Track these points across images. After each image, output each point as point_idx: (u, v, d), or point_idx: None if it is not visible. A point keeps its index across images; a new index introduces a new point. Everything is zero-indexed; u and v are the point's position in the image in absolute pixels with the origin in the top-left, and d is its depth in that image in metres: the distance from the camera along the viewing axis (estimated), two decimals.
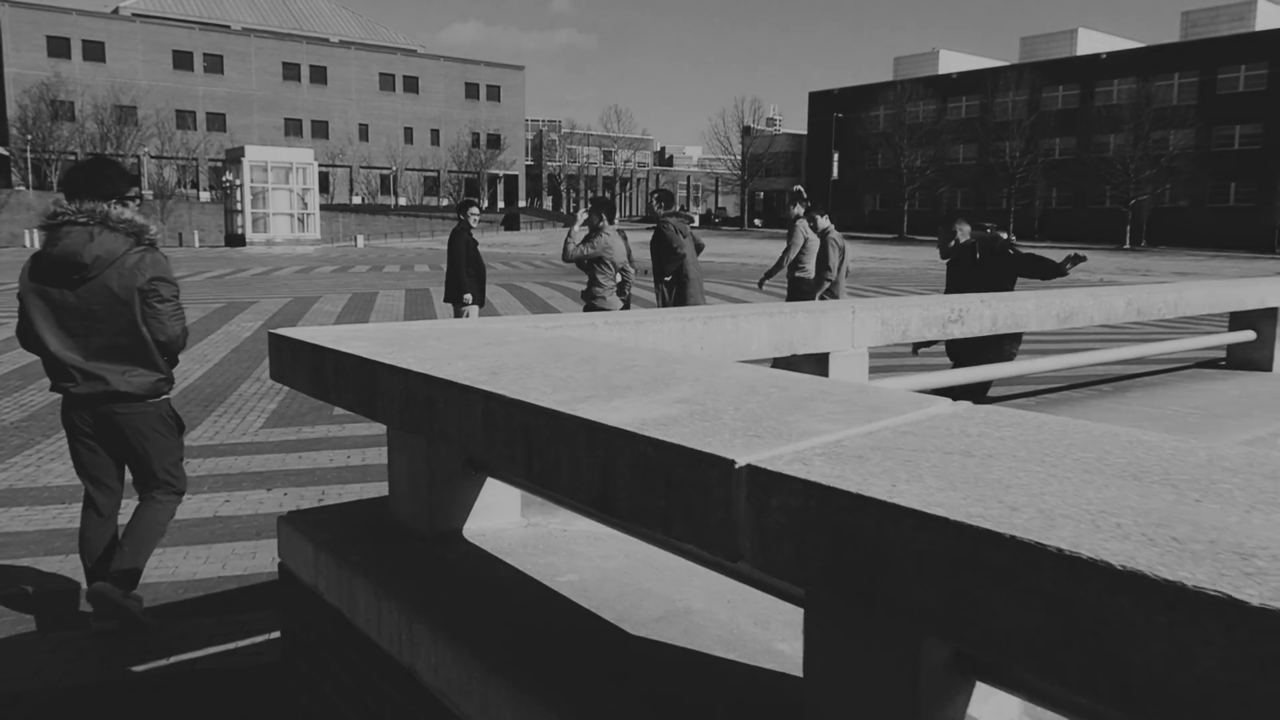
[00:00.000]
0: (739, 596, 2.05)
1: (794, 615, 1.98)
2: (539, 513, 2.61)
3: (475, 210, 10.96)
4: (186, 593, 4.71)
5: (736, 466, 1.19)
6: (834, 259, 10.96)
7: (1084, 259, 6.22)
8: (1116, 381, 5.01)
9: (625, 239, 10.75)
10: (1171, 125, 63.66)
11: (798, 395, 1.58)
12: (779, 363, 3.25)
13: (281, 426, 8.55)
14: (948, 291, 7.40)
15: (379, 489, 6.62)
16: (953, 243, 7.38)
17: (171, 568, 5.07)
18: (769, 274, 11.94)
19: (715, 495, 1.22)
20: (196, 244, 54.42)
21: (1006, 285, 7.01)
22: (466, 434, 1.74)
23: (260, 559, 5.21)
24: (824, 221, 11.24)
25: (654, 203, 10.94)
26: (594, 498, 1.43)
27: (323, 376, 2.28)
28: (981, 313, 3.72)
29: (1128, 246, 63.90)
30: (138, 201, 4.12)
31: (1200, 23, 71.41)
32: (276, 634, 4.18)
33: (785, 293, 11.86)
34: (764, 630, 1.90)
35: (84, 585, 4.36)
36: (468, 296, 10.77)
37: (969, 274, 7.12)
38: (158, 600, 4.61)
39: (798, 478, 1.11)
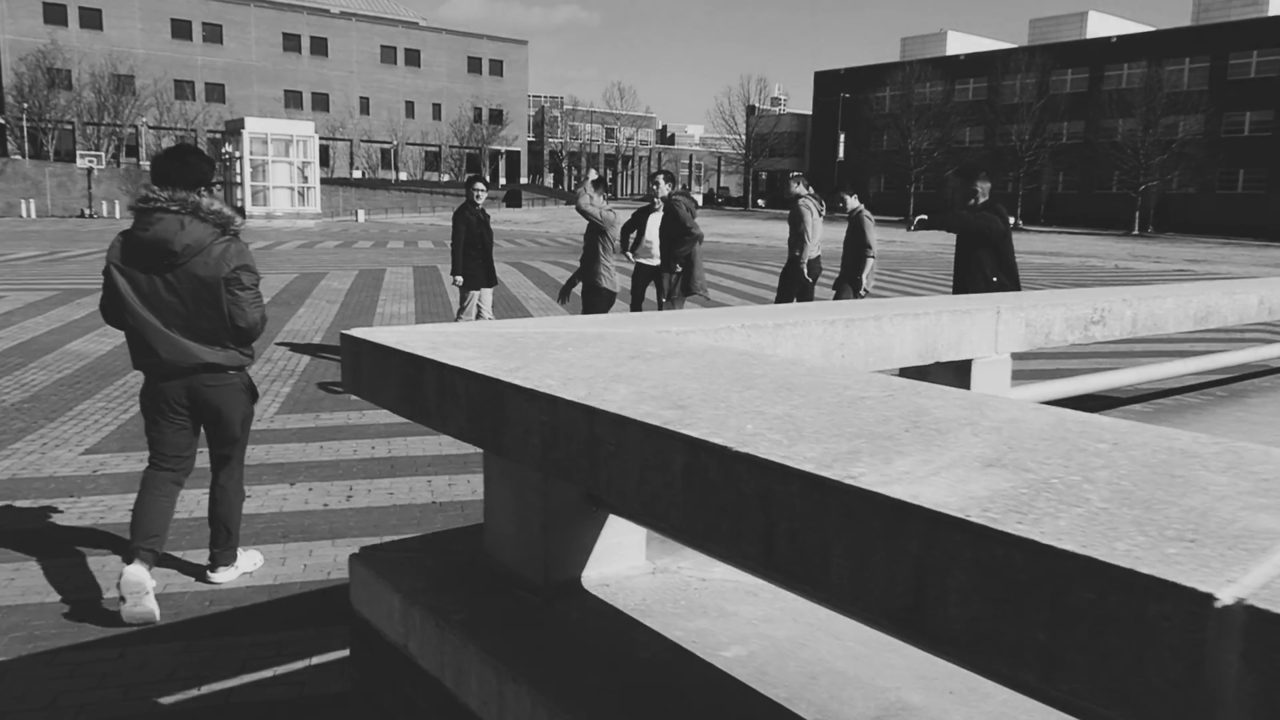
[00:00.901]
0: (961, 684, 1.62)
1: (1046, 714, 1.55)
2: (663, 552, 2.18)
3: (481, 187, 10.43)
4: (212, 605, 4.28)
5: (1219, 604, 0.76)
6: (871, 236, 10.66)
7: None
8: (1228, 385, 4.57)
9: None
10: (1183, 110, 62.91)
11: (1144, 454, 1.15)
12: (906, 371, 2.80)
13: (298, 413, 8.11)
14: (956, 260, 6.98)
15: (410, 484, 6.20)
16: (972, 201, 6.88)
17: (193, 575, 4.63)
18: (809, 264, 11.46)
19: (1164, 644, 0.78)
20: None
21: (992, 250, 6.66)
22: (652, 494, 1.30)
23: (290, 565, 4.78)
24: (854, 201, 10.89)
25: (659, 181, 10.37)
26: (895, 610, 1.00)
27: (420, 395, 1.84)
28: (1123, 312, 3.28)
29: (1136, 233, 63.31)
30: (218, 186, 4.40)
31: (1213, 7, 70.56)
32: (318, 659, 3.77)
33: (793, 273, 11.37)
34: None
35: (121, 572, 4.06)
36: (458, 279, 10.24)
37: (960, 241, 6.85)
38: (180, 614, 4.18)
39: None
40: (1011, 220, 7.35)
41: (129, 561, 4.02)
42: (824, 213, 11.41)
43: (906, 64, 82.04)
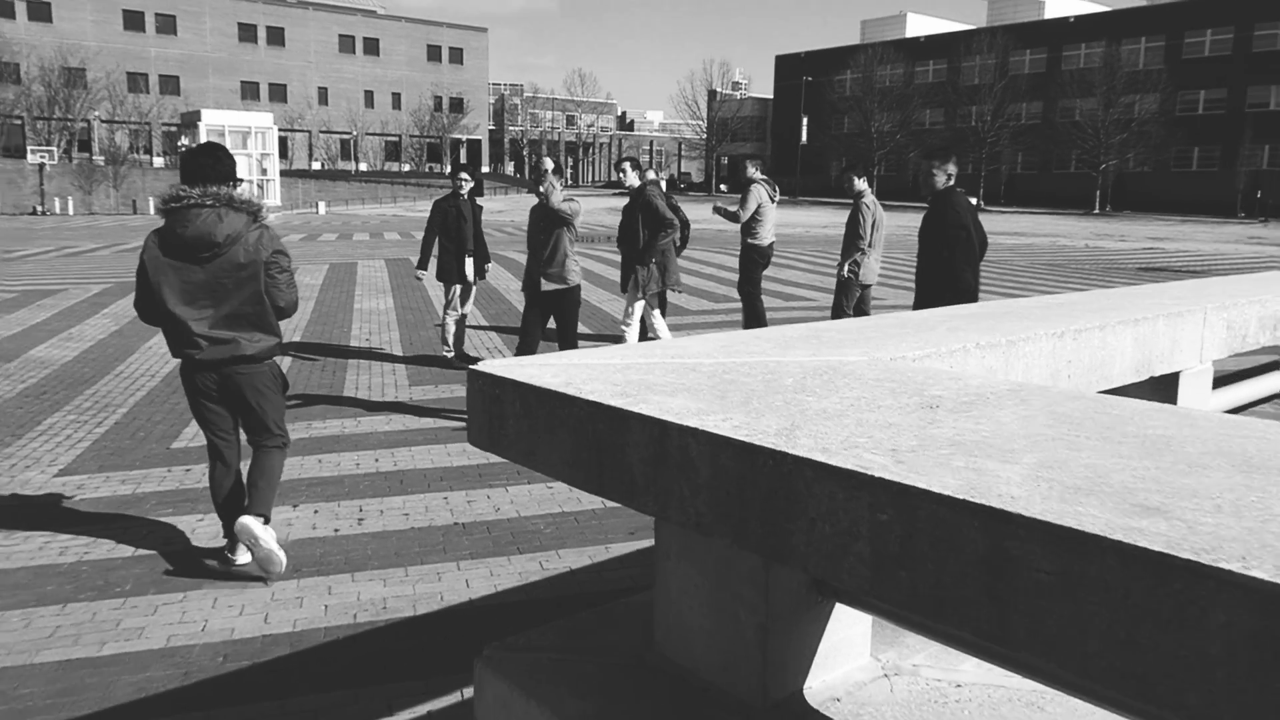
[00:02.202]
0: None
1: None
2: (885, 645, 1.68)
3: (465, 177, 9.87)
4: (228, 661, 3.72)
5: None
6: (865, 226, 10.09)
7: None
8: None
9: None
10: (1140, 90, 63.41)
11: None
12: (1126, 389, 2.31)
13: (288, 421, 7.48)
14: (920, 246, 6.69)
15: (426, 502, 5.64)
16: (941, 183, 6.50)
17: (199, 622, 4.06)
18: (758, 249, 11.32)
19: None
20: (151, 211, 52.22)
21: (941, 240, 6.37)
22: (1157, 666, 0.79)
23: (309, 608, 4.22)
24: (860, 184, 10.30)
25: (626, 169, 9.61)
26: None
27: (616, 464, 1.31)
28: None
29: (1096, 211, 63.84)
30: (243, 182, 4.59)
31: None
32: None
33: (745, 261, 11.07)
34: None
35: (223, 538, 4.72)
36: (420, 273, 9.97)
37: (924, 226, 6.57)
38: (190, 674, 3.61)
39: None
40: (974, 200, 6.96)
41: (228, 528, 4.57)
42: (776, 197, 11.09)
43: (867, 46, 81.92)
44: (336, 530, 5.21)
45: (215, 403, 4.50)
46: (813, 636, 1.52)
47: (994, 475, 0.98)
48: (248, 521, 4.38)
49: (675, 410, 1.27)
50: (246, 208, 4.36)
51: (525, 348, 7.55)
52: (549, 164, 7.96)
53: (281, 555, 4.43)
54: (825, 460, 1.04)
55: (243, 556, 4.66)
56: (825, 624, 1.54)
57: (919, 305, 6.62)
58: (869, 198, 10.17)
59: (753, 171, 11.04)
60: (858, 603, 1.49)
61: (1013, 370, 1.82)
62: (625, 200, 9.61)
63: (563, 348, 7.59)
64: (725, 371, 1.52)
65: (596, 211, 47.57)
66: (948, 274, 6.36)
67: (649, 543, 5.04)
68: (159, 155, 69.42)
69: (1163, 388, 2.39)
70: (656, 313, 9.76)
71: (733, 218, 10.96)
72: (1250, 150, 61.36)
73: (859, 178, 10.28)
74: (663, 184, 11.31)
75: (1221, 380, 3.32)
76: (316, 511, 5.50)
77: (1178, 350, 2.31)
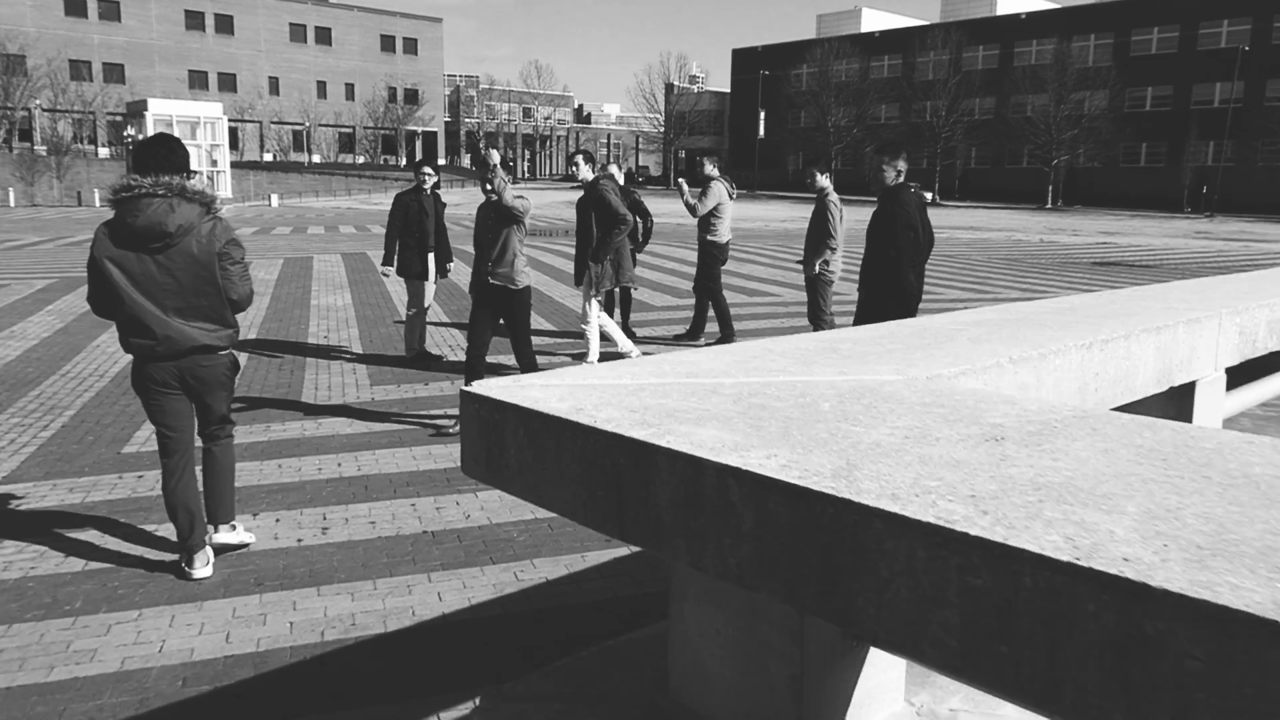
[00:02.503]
0: None
1: None
2: (916, 686, 1.55)
3: (429, 171, 9.63)
4: (188, 685, 3.51)
5: None
6: (835, 224, 9.97)
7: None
8: None
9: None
10: (1091, 86, 64.42)
11: None
12: (1140, 405, 2.21)
13: (245, 424, 7.25)
14: (868, 243, 6.62)
15: (393, 510, 5.45)
16: (891, 179, 6.45)
17: (156, 643, 3.85)
18: (718, 246, 11.31)
19: None
20: (97, 203, 50.97)
21: (889, 240, 6.34)
22: None
23: (273, 625, 4.03)
24: (823, 180, 10.14)
25: (579, 162, 9.22)
26: None
27: (636, 503, 1.17)
28: None
29: (1048, 206, 64.80)
30: (196, 174, 4.58)
31: None
32: None
33: (705, 257, 10.97)
34: None
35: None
36: (387, 270, 9.71)
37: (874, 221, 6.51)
38: (147, 700, 3.41)
39: None
40: (929, 196, 6.87)
41: (188, 539, 4.45)
42: (734, 194, 11.13)
43: (823, 41, 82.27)
44: (299, 540, 5.00)
45: (173, 395, 4.40)
46: (847, 684, 1.39)
47: (1103, 531, 0.85)
48: (221, 538, 4.66)
49: (708, 443, 1.12)
50: (199, 199, 4.29)
51: (475, 349, 7.21)
52: (495, 156, 7.47)
53: (252, 537, 4.86)
54: (898, 510, 0.90)
55: (201, 570, 4.47)
56: (860, 670, 1.41)
57: (864, 304, 6.57)
58: (834, 194, 10.06)
59: (711, 169, 11.00)
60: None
61: (1044, 385, 1.71)
62: (581, 194, 9.36)
63: (517, 352, 7.32)
64: (751, 394, 1.38)
65: (554, 205, 47.31)
66: (893, 275, 6.30)
67: (625, 551, 4.90)
68: (104, 146, 67.77)
69: (1177, 398, 2.30)
70: (608, 318, 9.39)
71: (690, 209, 10.92)
72: (1195, 146, 62.62)
73: (821, 174, 10.13)
74: (620, 178, 11.08)
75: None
76: (278, 520, 5.29)
77: (1195, 358, 2.22)
